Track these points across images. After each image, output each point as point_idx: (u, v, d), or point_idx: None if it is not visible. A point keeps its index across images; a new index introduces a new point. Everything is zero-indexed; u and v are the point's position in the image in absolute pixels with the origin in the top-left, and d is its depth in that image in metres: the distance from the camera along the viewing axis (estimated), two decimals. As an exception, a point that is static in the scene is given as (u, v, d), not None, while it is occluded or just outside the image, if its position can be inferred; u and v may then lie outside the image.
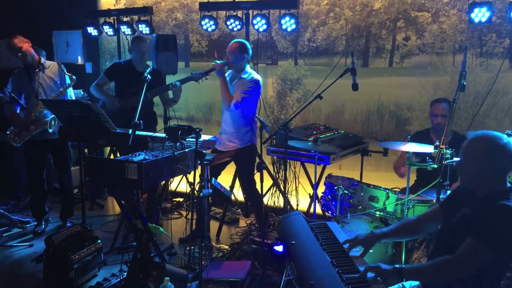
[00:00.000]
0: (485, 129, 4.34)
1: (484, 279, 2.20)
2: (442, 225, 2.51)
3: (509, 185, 2.31)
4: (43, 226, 4.93)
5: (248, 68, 4.42)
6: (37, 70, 4.62)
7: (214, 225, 4.81)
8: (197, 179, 3.58)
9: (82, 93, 5.83)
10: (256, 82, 4.31)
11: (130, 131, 3.41)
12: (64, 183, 4.99)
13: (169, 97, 4.76)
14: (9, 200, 5.72)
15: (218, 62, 4.32)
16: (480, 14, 4.10)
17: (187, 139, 3.48)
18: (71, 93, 4.83)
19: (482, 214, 2.19)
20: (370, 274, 2.22)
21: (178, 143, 3.41)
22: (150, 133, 3.69)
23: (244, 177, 4.63)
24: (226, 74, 4.43)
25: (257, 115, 3.93)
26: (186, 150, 3.45)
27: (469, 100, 4.65)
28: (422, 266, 2.31)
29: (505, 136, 2.32)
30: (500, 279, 2.28)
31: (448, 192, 3.33)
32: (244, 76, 4.34)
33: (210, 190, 3.69)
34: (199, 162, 3.42)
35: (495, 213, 2.16)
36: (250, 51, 4.39)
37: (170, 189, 5.87)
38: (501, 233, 2.14)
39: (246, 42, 4.42)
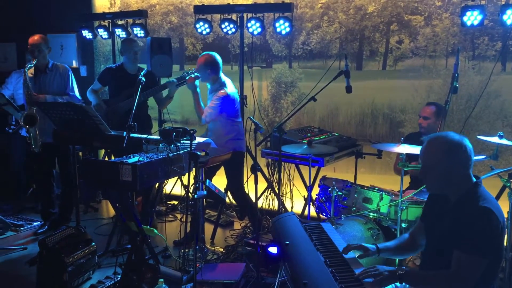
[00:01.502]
0: (478, 132, 4.44)
1: (478, 284, 2.21)
2: (426, 240, 2.51)
3: (474, 180, 2.32)
4: (46, 227, 4.96)
5: (222, 78, 4.42)
6: (44, 73, 4.70)
7: (209, 228, 4.80)
8: (192, 181, 3.59)
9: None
10: (222, 98, 4.31)
11: (125, 133, 3.41)
12: (65, 186, 5.00)
13: (163, 96, 4.76)
14: (9, 203, 5.73)
15: (192, 75, 4.34)
16: (472, 18, 4.12)
17: (181, 141, 3.49)
18: (75, 87, 4.85)
19: (464, 224, 2.19)
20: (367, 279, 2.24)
21: (172, 145, 3.42)
22: (145, 135, 3.70)
23: (231, 183, 4.64)
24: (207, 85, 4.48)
25: (251, 117, 3.95)
26: (181, 152, 3.46)
27: (462, 102, 4.69)
28: (423, 276, 2.31)
29: (454, 133, 2.34)
30: (493, 281, 2.29)
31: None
32: (215, 90, 4.38)
33: (205, 192, 3.69)
34: (193, 164, 3.43)
35: (477, 218, 2.17)
36: (217, 64, 4.37)
37: (164, 192, 5.86)
38: (490, 239, 2.15)
39: (211, 55, 4.40)
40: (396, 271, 2.25)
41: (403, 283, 2.33)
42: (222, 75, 4.45)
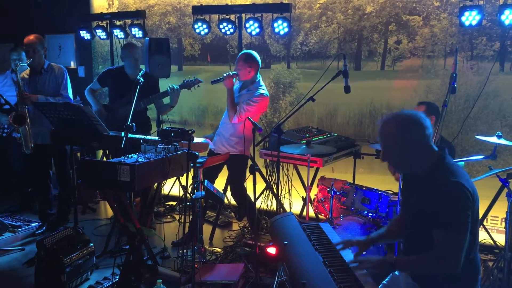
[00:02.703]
0: (476, 132, 4.44)
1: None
2: (405, 218, 2.53)
3: (436, 149, 2.31)
4: (44, 228, 4.96)
5: (260, 80, 4.40)
6: (39, 74, 4.69)
7: (207, 229, 4.80)
8: (190, 182, 3.58)
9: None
10: (262, 98, 4.29)
11: (123, 133, 3.41)
12: (63, 187, 4.99)
13: (163, 103, 4.73)
14: (7, 204, 5.72)
15: (231, 73, 4.27)
16: (471, 18, 4.13)
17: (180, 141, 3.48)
18: (69, 88, 4.83)
19: (438, 201, 2.18)
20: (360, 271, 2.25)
21: (170, 145, 3.41)
22: (143, 136, 3.69)
23: (233, 185, 4.61)
24: (237, 81, 4.41)
25: (249, 117, 3.93)
26: (179, 152, 3.45)
27: (460, 103, 4.69)
28: (414, 260, 2.31)
29: (405, 110, 2.34)
30: (474, 247, 2.29)
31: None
32: (253, 89, 4.32)
33: (203, 192, 3.68)
34: (191, 164, 3.42)
35: (449, 194, 2.16)
36: (258, 62, 4.34)
37: (163, 193, 5.86)
38: (465, 213, 2.15)
39: (252, 53, 4.36)
40: (387, 259, 2.27)
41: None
42: (260, 75, 4.42)
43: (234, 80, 4.31)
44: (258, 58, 4.36)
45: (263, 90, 4.33)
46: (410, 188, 2.48)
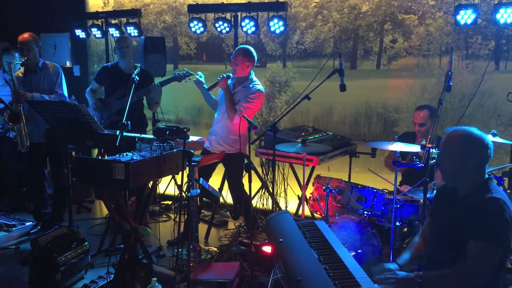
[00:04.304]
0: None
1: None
2: (434, 234, 2.52)
3: (487, 176, 2.38)
4: (39, 227, 4.93)
5: (253, 76, 4.36)
6: (33, 73, 4.66)
7: (202, 227, 4.79)
8: (185, 180, 3.57)
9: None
10: (260, 93, 4.25)
11: (118, 132, 3.40)
12: (57, 186, 4.96)
13: (153, 98, 4.74)
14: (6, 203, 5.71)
15: (225, 75, 4.22)
16: (466, 16, 4.14)
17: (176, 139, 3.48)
18: (64, 86, 4.80)
19: (478, 213, 2.22)
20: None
21: (166, 144, 3.40)
22: (138, 134, 3.68)
23: (231, 183, 4.59)
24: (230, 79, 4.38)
25: (245, 116, 3.92)
26: (174, 150, 3.44)
27: (455, 101, 4.70)
28: (441, 275, 2.28)
29: (477, 129, 2.40)
30: (500, 274, 2.30)
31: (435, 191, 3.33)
32: (249, 85, 4.28)
33: (198, 191, 3.67)
34: (187, 162, 3.41)
35: (490, 207, 2.21)
36: (255, 58, 4.30)
37: (158, 192, 5.84)
38: (502, 228, 2.18)
39: (250, 48, 4.32)
40: (414, 278, 2.25)
41: None
42: (252, 71, 4.37)
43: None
44: (255, 54, 4.33)
45: (259, 85, 4.30)
46: (446, 203, 2.48)
